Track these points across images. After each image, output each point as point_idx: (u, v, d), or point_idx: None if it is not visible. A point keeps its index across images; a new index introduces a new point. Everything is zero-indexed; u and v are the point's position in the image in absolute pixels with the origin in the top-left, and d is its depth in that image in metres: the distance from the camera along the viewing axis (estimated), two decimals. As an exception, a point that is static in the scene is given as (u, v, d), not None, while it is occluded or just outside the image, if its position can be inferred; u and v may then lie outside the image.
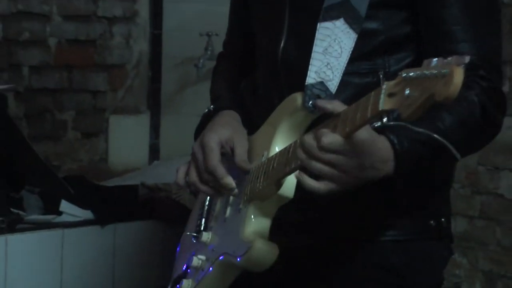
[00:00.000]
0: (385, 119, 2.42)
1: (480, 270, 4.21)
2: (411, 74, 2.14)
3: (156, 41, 4.99)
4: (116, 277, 3.95)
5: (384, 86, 2.20)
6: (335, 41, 2.60)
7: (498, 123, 2.61)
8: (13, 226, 3.77)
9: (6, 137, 2.39)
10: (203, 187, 2.71)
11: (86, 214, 3.94)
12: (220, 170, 2.62)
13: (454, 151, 2.38)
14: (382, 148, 2.38)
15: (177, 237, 2.89)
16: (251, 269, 2.56)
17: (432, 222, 2.68)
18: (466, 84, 2.27)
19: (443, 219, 2.70)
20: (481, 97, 2.51)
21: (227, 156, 2.67)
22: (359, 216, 2.64)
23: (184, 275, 2.74)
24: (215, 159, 2.63)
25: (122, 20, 4.94)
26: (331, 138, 2.30)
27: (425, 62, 2.14)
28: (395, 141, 2.39)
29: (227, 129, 2.70)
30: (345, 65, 2.56)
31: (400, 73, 2.16)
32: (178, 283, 2.74)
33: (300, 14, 2.67)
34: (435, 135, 2.37)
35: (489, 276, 4.20)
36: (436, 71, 2.09)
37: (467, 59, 2.10)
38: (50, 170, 2.72)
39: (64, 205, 3.88)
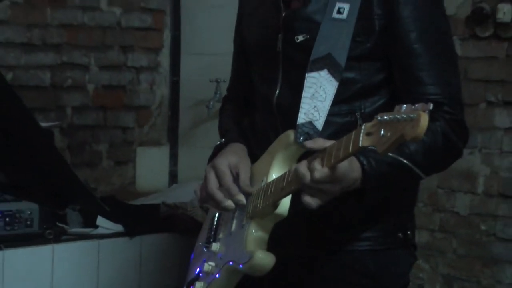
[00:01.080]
0: None
1: (439, 274, 4.22)
2: (385, 117, 2.17)
3: (174, 87, 5.00)
4: (142, 280, 3.97)
5: (363, 127, 2.20)
6: (320, 87, 2.59)
7: (459, 148, 2.62)
8: (58, 237, 3.82)
9: (53, 165, 2.40)
10: (210, 205, 2.73)
11: (118, 228, 3.98)
12: (234, 188, 2.62)
13: (416, 170, 2.49)
14: (355, 169, 2.42)
15: (191, 247, 2.87)
16: (252, 274, 2.56)
17: (400, 234, 2.70)
18: (432, 117, 2.31)
19: (409, 232, 2.72)
20: (444, 128, 2.53)
21: (233, 180, 2.65)
22: (342, 230, 2.65)
23: (197, 278, 2.74)
24: (229, 179, 2.64)
25: (147, 70, 4.96)
26: (320, 173, 2.33)
27: (396, 107, 2.15)
28: (364, 162, 2.42)
29: (235, 157, 2.70)
30: (329, 108, 2.56)
31: (376, 116, 2.17)
32: (192, 285, 2.74)
33: (292, 67, 2.68)
34: (399, 158, 2.43)
35: (447, 278, 4.21)
36: (405, 116, 2.13)
37: (431, 106, 2.11)
38: (89, 191, 2.75)
39: (100, 220, 3.95)
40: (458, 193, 4.17)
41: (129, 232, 3.98)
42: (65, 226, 3.91)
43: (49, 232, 3.78)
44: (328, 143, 2.38)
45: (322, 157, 2.36)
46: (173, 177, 4.99)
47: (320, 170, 2.34)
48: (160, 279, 3.93)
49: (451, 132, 2.56)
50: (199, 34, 4.89)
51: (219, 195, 2.64)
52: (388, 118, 2.18)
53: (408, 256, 2.76)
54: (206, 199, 2.71)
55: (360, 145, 2.23)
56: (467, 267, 4.17)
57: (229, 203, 2.63)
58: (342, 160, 2.32)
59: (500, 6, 4.00)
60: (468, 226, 4.16)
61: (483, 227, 4.13)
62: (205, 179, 2.70)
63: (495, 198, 4.10)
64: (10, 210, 3.68)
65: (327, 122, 2.56)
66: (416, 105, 2.13)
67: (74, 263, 3.82)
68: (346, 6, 2.61)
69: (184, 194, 4.16)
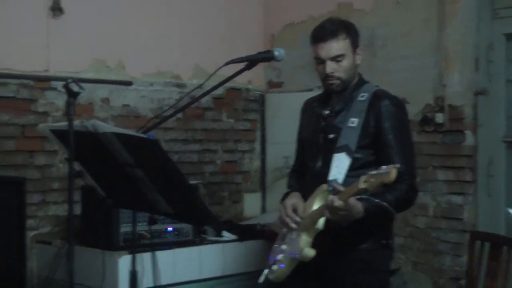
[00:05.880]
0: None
1: (410, 260, 4.15)
2: (374, 172, 2.30)
3: (263, 161, 4.95)
4: (247, 263, 3.87)
5: (361, 178, 2.34)
6: (341, 162, 2.63)
7: (413, 200, 2.67)
8: (201, 242, 3.83)
9: (198, 204, 2.46)
10: (281, 225, 2.78)
11: (234, 237, 3.95)
12: (294, 216, 2.68)
13: (391, 210, 2.53)
14: (359, 207, 2.49)
15: (271, 246, 2.88)
16: (303, 261, 2.63)
17: (383, 241, 2.74)
18: (399, 181, 2.39)
19: (389, 241, 2.75)
20: (405, 188, 2.58)
21: (294, 212, 2.70)
22: (353, 239, 2.67)
23: (274, 263, 2.77)
24: (291, 212, 2.70)
25: (248, 152, 4.91)
26: (338, 203, 2.43)
27: (380, 167, 2.28)
28: (364, 203, 2.49)
29: (295, 199, 2.75)
30: (345, 173, 2.62)
31: (368, 172, 2.28)
32: (271, 267, 2.77)
33: (326, 151, 2.71)
34: (382, 202, 2.49)
35: (414, 263, 4.14)
36: (384, 171, 2.21)
37: (398, 165, 2.22)
38: (217, 217, 2.75)
39: (224, 232, 3.95)
40: (419, 216, 4.10)
41: (240, 239, 3.94)
42: (205, 236, 3.91)
43: (198, 239, 3.80)
44: (343, 188, 2.46)
45: (339, 196, 2.45)
46: (263, 209, 4.94)
47: (338, 201, 2.44)
48: (256, 263, 3.81)
49: (409, 190, 2.61)
50: (275, 133, 4.84)
51: (287, 220, 2.71)
52: (375, 172, 2.29)
53: (388, 253, 2.78)
54: (279, 223, 2.79)
55: (359, 187, 2.33)
56: (425, 257, 4.09)
57: (293, 225, 2.69)
58: (351, 196, 2.42)
59: (437, 114, 3.99)
60: (425, 234, 4.09)
61: (433, 234, 4.06)
62: (280, 212, 2.78)
63: (439, 218, 4.03)
64: (178, 228, 3.69)
65: (344, 181, 2.61)
66: (390, 165, 2.23)
67: (211, 257, 3.79)
68: (356, 120, 2.66)
69: (269, 218, 4.13)
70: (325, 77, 2.71)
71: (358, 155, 2.64)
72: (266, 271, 2.77)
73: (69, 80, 2.44)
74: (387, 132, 2.63)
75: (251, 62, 2.57)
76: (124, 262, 3.36)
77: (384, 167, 2.29)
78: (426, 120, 4.04)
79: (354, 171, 2.62)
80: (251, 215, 4.77)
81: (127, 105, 4.32)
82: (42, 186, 3.97)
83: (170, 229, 3.68)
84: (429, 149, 4.05)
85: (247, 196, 4.91)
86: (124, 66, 4.30)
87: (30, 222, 3.82)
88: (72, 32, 4.07)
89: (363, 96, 2.69)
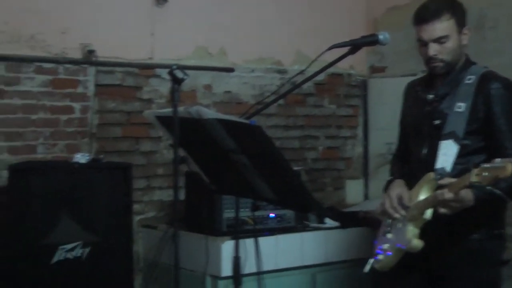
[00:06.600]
0: None
1: None
2: (487, 165, 2.20)
3: (366, 147, 4.90)
4: (350, 250, 3.86)
5: (473, 171, 2.26)
6: (449, 149, 2.57)
7: None
8: (303, 228, 3.84)
9: (300, 191, 2.43)
10: (386, 215, 2.73)
11: (336, 224, 3.94)
12: (399, 207, 2.65)
13: (505, 198, 2.44)
14: (469, 196, 2.43)
15: (375, 235, 2.85)
16: (410, 252, 2.59)
17: (495, 231, 2.67)
18: None
19: (502, 230, 2.68)
20: None
21: (398, 202, 2.67)
22: (462, 229, 2.60)
23: (379, 252, 2.74)
24: (396, 202, 2.66)
25: (350, 138, 4.87)
26: (448, 195, 2.39)
27: (493, 160, 2.18)
28: (475, 191, 2.43)
29: (399, 189, 2.71)
30: (453, 160, 2.55)
31: (481, 164, 2.21)
32: (376, 256, 2.74)
33: (432, 137, 2.65)
34: (495, 190, 2.37)
35: None
36: (498, 165, 2.12)
37: None
38: (319, 204, 2.75)
39: (326, 219, 3.94)
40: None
41: (343, 226, 3.93)
42: (308, 222, 3.91)
43: (300, 226, 3.81)
44: (452, 180, 2.40)
45: (449, 188, 2.38)
46: (365, 196, 4.91)
47: (448, 193, 2.38)
48: (359, 251, 3.79)
49: None
50: (378, 118, 4.80)
51: (391, 211, 2.68)
52: (489, 166, 2.20)
53: (500, 244, 2.70)
54: (383, 213, 2.74)
55: (472, 181, 2.25)
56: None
57: (397, 215, 2.66)
58: (461, 189, 2.37)
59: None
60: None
61: (546, 224, 3.90)
62: (384, 201, 2.73)
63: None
64: (280, 214, 3.71)
65: (453, 168, 2.54)
66: (505, 159, 2.14)
67: (313, 244, 3.78)
68: (463, 105, 2.58)
69: (372, 205, 4.05)
70: (428, 60, 2.65)
71: (466, 142, 2.58)
72: (371, 260, 2.75)
73: (174, 67, 2.48)
74: (498, 117, 2.56)
75: (354, 46, 2.54)
76: (227, 247, 3.41)
77: (498, 160, 2.21)
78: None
79: (462, 158, 2.56)
80: (353, 202, 4.74)
81: (229, 92, 4.38)
82: (147, 171, 4.09)
83: (272, 215, 3.70)
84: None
85: (349, 183, 4.88)
86: (226, 53, 4.36)
87: (136, 207, 3.91)
88: (175, 20, 4.17)
89: (470, 78, 2.62)
